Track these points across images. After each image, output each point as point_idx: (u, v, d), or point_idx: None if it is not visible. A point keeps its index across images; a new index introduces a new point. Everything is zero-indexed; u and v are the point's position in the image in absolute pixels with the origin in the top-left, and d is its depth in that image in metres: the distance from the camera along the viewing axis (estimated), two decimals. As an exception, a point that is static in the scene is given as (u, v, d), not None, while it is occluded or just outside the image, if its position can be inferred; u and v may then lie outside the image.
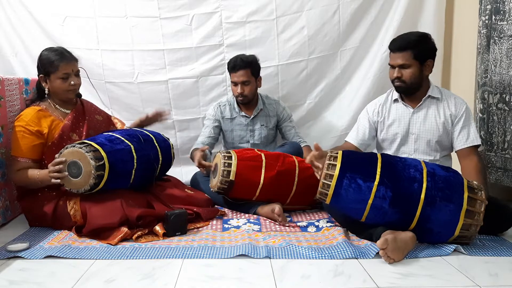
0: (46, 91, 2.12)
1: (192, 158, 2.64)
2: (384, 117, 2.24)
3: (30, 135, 2.03)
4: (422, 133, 2.16)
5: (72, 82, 2.10)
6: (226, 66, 2.72)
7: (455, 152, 2.17)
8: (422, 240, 1.81)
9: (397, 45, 2.11)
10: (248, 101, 2.71)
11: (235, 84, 2.64)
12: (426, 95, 2.15)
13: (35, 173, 1.99)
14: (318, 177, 1.85)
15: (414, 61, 2.07)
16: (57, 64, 2.07)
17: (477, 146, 2.11)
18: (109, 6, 2.90)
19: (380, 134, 2.27)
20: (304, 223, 2.12)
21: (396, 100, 2.23)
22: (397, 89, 2.17)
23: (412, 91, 2.15)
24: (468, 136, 2.10)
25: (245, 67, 2.59)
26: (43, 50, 2.13)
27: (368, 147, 2.33)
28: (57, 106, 2.16)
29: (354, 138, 2.30)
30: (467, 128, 2.11)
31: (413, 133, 2.18)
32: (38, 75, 2.13)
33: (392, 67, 2.13)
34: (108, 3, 2.90)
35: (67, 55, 2.12)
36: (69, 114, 2.16)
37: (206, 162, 2.40)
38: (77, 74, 2.15)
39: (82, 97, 2.28)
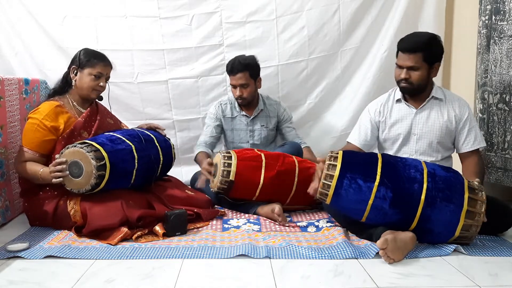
0: (73, 83, 2.17)
1: (196, 161, 2.63)
2: (386, 116, 2.23)
3: (44, 130, 2.04)
4: (424, 134, 2.15)
5: (101, 84, 2.17)
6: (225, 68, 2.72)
7: (460, 153, 2.17)
8: (422, 241, 1.81)
9: (408, 46, 2.05)
10: (247, 103, 2.70)
11: (234, 86, 2.64)
12: (430, 96, 2.15)
13: (37, 168, 1.99)
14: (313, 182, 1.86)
15: (424, 64, 2.04)
16: (96, 61, 2.16)
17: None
18: (109, 5, 2.90)
19: (382, 134, 2.26)
20: (304, 223, 2.12)
21: (398, 100, 2.22)
22: (402, 89, 2.14)
23: (418, 92, 2.14)
24: (475, 139, 2.11)
25: (243, 69, 2.57)
26: (85, 48, 2.22)
27: (371, 148, 2.32)
28: (74, 103, 2.19)
29: (357, 139, 2.28)
30: (473, 130, 2.12)
31: (415, 133, 2.17)
32: (70, 67, 2.18)
33: (400, 67, 2.09)
34: (107, 3, 2.89)
35: (107, 59, 2.22)
36: (84, 112, 2.19)
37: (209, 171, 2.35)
38: (107, 79, 2.22)
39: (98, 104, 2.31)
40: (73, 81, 2.17)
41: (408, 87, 2.10)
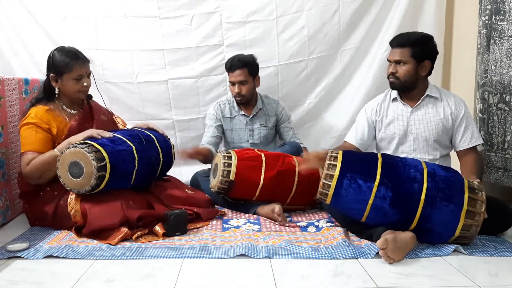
0: (56, 91, 2.12)
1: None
2: (382, 116, 2.25)
3: (43, 131, 2.03)
4: (421, 132, 2.16)
5: (85, 84, 2.13)
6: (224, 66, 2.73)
7: (457, 151, 2.17)
8: (422, 241, 1.81)
9: (397, 41, 2.13)
10: (246, 101, 2.71)
11: (232, 83, 2.65)
12: (425, 95, 2.16)
13: (50, 152, 1.97)
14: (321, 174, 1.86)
15: (411, 59, 2.09)
16: (72, 65, 2.07)
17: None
18: (109, 5, 2.89)
19: (378, 133, 2.27)
20: (304, 223, 2.12)
21: (394, 99, 2.23)
22: (391, 85, 2.18)
23: (406, 89, 2.17)
24: (472, 136, 2.13)
25: (242, 66, 2.60)
26: (55, 50, 2.12)
27: (368, 147, 2.33)
28: (64, 107, 2.17)
29: (353, 138, 2.30)
30: (470, 127, 2.14)
31: (412, 132, 2.18)
32: (48, 75, 2.11)
33: (389, 62, 2.15)
34: (108, 3, 2.89)
35: (81, 56, 2.13)
36: (75, 114, 2.17)
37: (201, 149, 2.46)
38: (89, 76, 2.17)
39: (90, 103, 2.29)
40: (56, 89, 2.11)
41: (395, 82, 2.14)
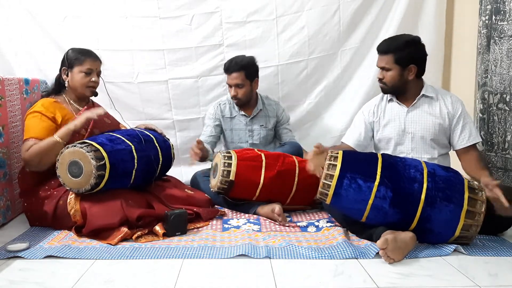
0: (66, 84, 2.19)
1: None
2: (379, 117, 2.25)
3: (48, 120, 2.07)
4: (418, 132, 2.17)
5: (93, 79, 2.19)
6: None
7: (456, 150, 2.18)
8: (423, 241, 1.81)
9: (380, 48, 2.15)
10: (242, 104, 2.70)
11: (229, 85, 2.65)
12: (420, 94, 2.17)
13: (50, 138, 1.98)
14: (318, 175, 1.85)
15: (395, 65, 2.10)
16: (83, 58, 2.18)
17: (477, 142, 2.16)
18: (109, 6, 2.90)
19: (376, 134, 2.28)
20: (304, 223, 2.12)
21: (391, 100, 2.25)
22: (381, 89, 2.21)
23: (396, 93, 2.19)
24: (470, 134, 2.13)
25: (239, 69, 2.58)
26: (70, 48, 2.24)
27: (366, 148, 2.33)
28: (71, 101, 2.22)
29: (350, 139, 2.31)
30: (468, 126, 2.14)
31: (409, 132, 2.18)
32: (61, 68, 2.21)
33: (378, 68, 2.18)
34: (108, 3, 2.89)
35: (94, 53, 2.24)
36: (81, 110, 2.20)
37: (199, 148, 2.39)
38: (98, 74, 2.24)
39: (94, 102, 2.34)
40: (65, 82, 2.19)
41: (384, 87, 2.18)
